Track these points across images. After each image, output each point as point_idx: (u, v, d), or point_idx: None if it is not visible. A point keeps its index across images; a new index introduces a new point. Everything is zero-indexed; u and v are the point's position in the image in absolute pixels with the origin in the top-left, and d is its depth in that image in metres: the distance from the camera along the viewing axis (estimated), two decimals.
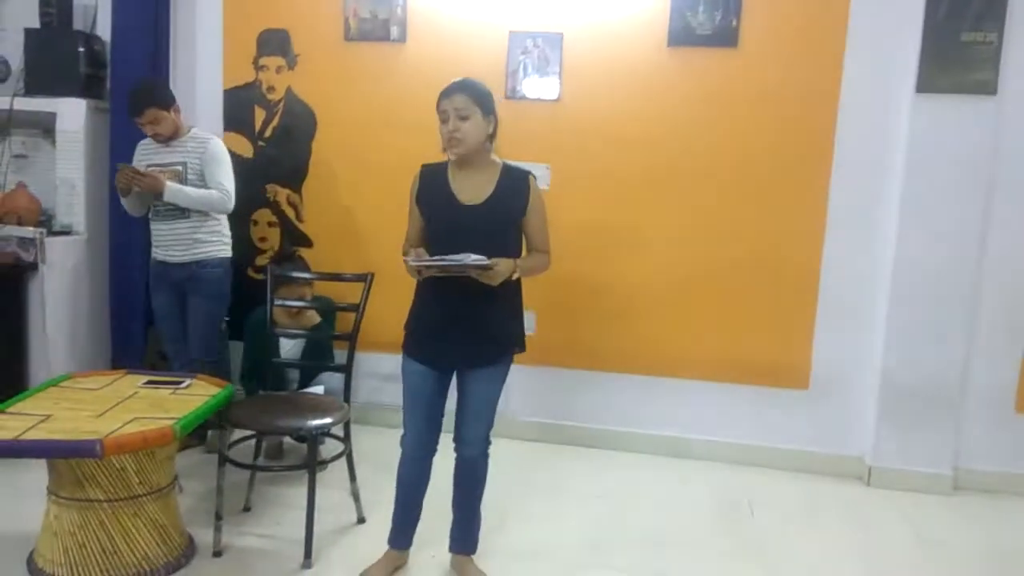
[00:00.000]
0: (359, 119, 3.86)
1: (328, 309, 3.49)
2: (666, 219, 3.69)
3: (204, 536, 2.70)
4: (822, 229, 3.58)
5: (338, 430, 2.92)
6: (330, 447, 3.11)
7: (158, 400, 2.62)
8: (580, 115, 3.69)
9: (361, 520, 2.95)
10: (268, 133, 3.98)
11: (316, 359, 3.41)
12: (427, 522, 2.60)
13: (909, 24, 3.36)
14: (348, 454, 2.93)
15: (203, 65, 3.98)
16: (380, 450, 3.11)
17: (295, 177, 3.97)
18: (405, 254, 2.32)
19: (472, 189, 2.37)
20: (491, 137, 2.38)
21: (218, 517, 2.67)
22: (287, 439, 3.50)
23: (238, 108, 3.98)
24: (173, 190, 3.22)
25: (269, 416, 2.77)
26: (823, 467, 3.66)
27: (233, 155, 3.53)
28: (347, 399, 3.03)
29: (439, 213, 2.40)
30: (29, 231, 3.53)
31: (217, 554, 2.66)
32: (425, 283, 2.36)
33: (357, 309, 3.07)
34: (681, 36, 3.56)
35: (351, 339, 3.06)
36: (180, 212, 3.31)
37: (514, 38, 3.68)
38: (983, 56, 3.30)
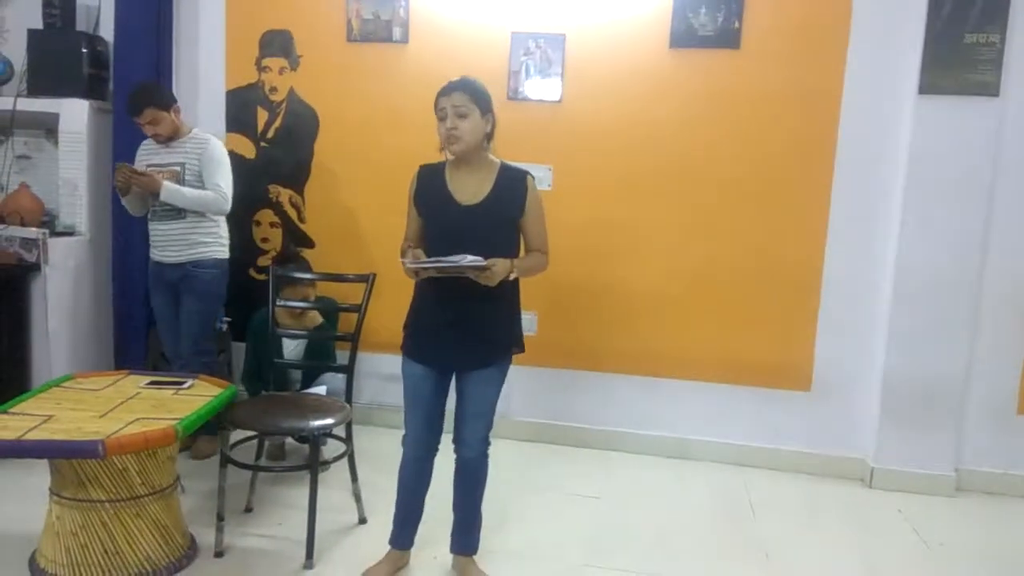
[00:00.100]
0: (361, 120, 3.87)
1: (330, 310, 3.49)
2: (668, 220, 3.69)
3: (206, 536, 2.71)
4: (824, 230, 3.58)
5: (340, 431, 2.92)
6: (332, 448, 3.11)
7: (160, 401, 2.63)
8: (582, 116, 3.69)
9: (363, 520, 2.95)
10: (270, 134, 3.98)
11: (318, 360, 3.42)
12: (429, 523, 2.60)
13: (911, 25, 3.36)
14: (350, 455, 2.94)
15: (206, 66, 3.98)
16: (382, 451, 3.11)
17: (297, 178, 3.98)
18: (403, 254, 2.32)
19: (469, 189, 2.37)
20: (489, 136, 2.38)
21: (220, 518, 2.68)
22: (289, 440, 3.51)
23: (241, 109, 3.98)
24: (170, 190, 3.22)
25: (271, 417, 2.77)
26: (825, 468, 3.66)
27: (235, 156, 3.53)
28: (349, 400, 3.04)
29: (437, 213, 2.40)
30: (32, 232, 3.53)
31: (219, 554, 2.66)
32: (424, 284, 2.37)
33: (359, 310, 3.08)
34: (683, 37, 3.56)
35: (353, 340, 3.07)
36: (177, 213, 3.31)
37: (516, 39, 3.68)
38: (986, 57, 3.29)
